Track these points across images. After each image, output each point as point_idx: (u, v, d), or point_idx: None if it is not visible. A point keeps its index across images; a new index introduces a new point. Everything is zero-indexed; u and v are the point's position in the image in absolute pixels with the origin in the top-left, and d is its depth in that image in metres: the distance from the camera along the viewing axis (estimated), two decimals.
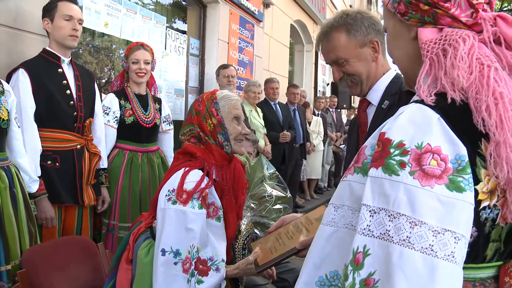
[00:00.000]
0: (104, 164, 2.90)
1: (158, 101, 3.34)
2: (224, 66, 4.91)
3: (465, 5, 0.87)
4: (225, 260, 1.72)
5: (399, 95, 1.71)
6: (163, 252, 1.63)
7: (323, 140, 7.97)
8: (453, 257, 0.71)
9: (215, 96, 1.87)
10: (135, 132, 3.10)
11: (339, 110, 9.83)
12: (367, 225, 0.76)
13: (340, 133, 8.89)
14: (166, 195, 1.70)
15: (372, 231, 0.76)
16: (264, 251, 1.72)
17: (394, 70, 1.81)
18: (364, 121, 1.83)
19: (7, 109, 2.18)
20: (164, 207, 1.68)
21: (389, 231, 0.74)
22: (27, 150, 2.37)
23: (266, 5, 7.34)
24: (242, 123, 1.88)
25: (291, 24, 9.11)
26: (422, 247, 0.71)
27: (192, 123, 1.86)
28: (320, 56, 11.32)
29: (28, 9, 2.83)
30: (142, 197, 3.08)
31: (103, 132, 2.92)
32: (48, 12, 2.60)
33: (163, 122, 3.34)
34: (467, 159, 0.75)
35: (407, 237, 0.72)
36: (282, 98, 6.55)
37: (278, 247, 1.68)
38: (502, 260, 0.87)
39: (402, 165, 0.76)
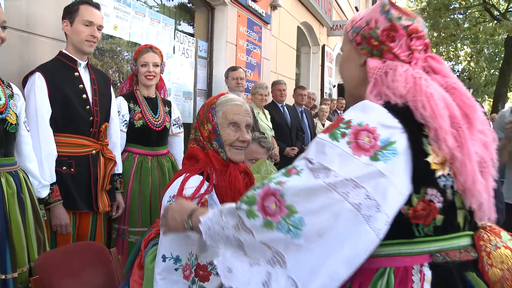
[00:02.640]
0: (119, 169, 2.88)
1: (167, 103, 3.32)
2: (233, 68, 4.90)
3: (405, 47, 1.13)
4: None
5: None
6: (164, 258, 1.62)
7: None
8: (346, 195, 0.97)
9: (214, 101, 1.84)
10: (145, 136, 3.08)
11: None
12: (311, 162, 1.03)
13: None
14: (168, 201, 1.68)
15: (310, 167, 1.02)
16: None
17: None
18: None
19: (15, 113, 2.16)
20: None
21: (320, 173, 1.00)
22: (43, 155, 2.35)
23: (273, 7, 7.32)
24: (242, 130, 1.81)
25: (297, 26, 9.09)
26: (336, 188, 0.98)
27: (195, 128, 1.85)
28: (327, 58, 11.33)
29: (40, 13, 2.82)
30: (152, 201, 3.05)
31: (119, 137, 2.90)
32: (69, 14, 2.57)
33: (173, 125, 3.32)
34: (390, 140, 1.00)
35: (331, 181, 0.98)
36: (290, 100, 6.53)
37: None
38: (472, 230, 1.10)
39: (343, 135, 1.02)
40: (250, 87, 5.90)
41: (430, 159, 1.00)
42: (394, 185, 0.98)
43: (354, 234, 0.97)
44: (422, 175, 1.01)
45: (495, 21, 19.62)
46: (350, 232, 0.97)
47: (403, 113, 1.03)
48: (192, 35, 5.40)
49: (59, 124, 2.49)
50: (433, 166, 1.00)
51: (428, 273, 1.02)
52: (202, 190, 1.68)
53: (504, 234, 1.10)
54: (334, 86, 12.30)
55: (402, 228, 1.03)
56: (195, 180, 1.70)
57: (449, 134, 1.00)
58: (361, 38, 1.17)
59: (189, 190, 1.66)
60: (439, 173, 1.01)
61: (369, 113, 1.04)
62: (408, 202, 1.01)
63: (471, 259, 1.07)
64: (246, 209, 1.05)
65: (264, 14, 6.70)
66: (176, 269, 1.61)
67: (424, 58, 1.14)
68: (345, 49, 1.26)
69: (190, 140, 1.88)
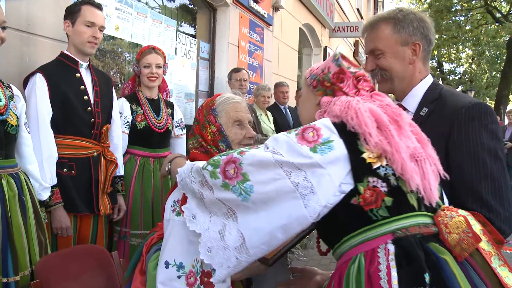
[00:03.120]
0: (120, 171, 2.85)
1: (170, 105, 3.29)
2: (236, 70, 4.87)
3: (353, 86, 1.40)
4: None
5: (441, 101, 1.67)
6: (167, 264, 1.56)
7: None
8: (290, 174, 1.19)
9: (213, 102, 1.79)
10: (147, 137, 3.05)
11: None
12: (267, 147, 1.26)
13: None
14: (171, 206, 1.63)
15: (267, 148, 1.25)
16: None
17: (431, 77, 1.77)
18: None
19: (16, 115, 2.13)
20: (169, 218, 1.62)
21: (275, 154, 1.21)
22: (43, 157, 2.33)
23: (276, 9, 7.30)
24: (246, 126, 1.78)
25: (299, 28, 9.07)
26: (282, 166, 1.20)
27: (195, 134, 1.80)
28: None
29: (41, 13, 2.80)
30: (154, 203, 3.02)
31: (120, 138, 2.86)
32: (71, 14, 2.54)
33: (176, 127, 3.29)
34: (329, 139, 1.23)
35: (279, 159, 1.20)
36: (292, 102, 6.50)
37: None
38: (432, 212, 1.26)
39: (295, 130, 1.27)
40: (252, 88, 5.88)
41: (365, 155, 1.22)
42: (328, 174, 1.19)
43: (290, 206, 1.18)
44: (361, 168, 1.22)
45: (497, 23, 19.60)
46: (287, 205, 1.19)
47: (340, 126, 1.28)
48: (194, 36, 5.37)
49: (60, 125, 2.46)
50: (369, 160, 1.22)
51: (391, 247, 1.17)
52: None
53: (461, 210, 1.26)
54: None
55: (360, 217, 1.22)
56: None
57: (373, 135, 1.23)
58: (317, 82, 1.45)
59: None
60: (377, 165, 1.23)
61: (319, 120, 1.33)
62: (357, 192, 1.21)
63: (432, 232, 1.22)
64: (210, 170, 1.25)
65: (266, 16, 6.67)
66: (179, 277, 1.55)
67: (369, 95, 1.40)
68: (303, 92, 1.55)
69: (190, 149, 1.83)
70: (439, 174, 1.32)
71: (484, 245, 1.21)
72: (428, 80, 1.74)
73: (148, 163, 3.04)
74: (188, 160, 1.81)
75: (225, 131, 1.74)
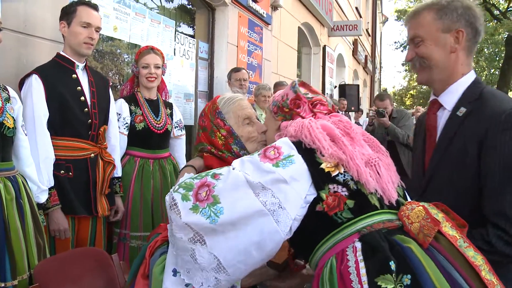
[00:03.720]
0: (118, 172, 2.83)
1: (169, 106, 3.27)
2: (236, 70, 4.84)
3: (309, 111, 1.50)
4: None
5: (481, 102, 1.58)
6: (174, 272, 1.51)
7: None
8: (258, 194, 1.24)
9: (216, 105, 1.76)
10: (146, 139, 3.03)
11: (348, 112, 9.76)
12: (233, 168, 1.31)
13: None
14: None
15: (233, 169, 1.30)
16: None
17: (474, 73, 1.68)
18: (433, 125, 1.71)
19: (12, 117, 2.11)
20: None
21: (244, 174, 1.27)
22: (40, 159, 2.30)
23: (274, 8, 7.28)
24: (255, 122, 1.75)
25: (298, 27, 9.05)
26: (252, 186, 1.25)
27: (201, 142, 1.77)
28: (328, 58, 11.28)
29: (38, 14, 2.77)
30: (154, 205, 3.01)
31: (118, 139, 2.84)
32: (67, 15, 2.52)
33: (175, 128, 3.27)
34: (289, 154, 1.31)
35: (249, 179, 1.25)
36: None
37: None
38: (396, 210, 1.32)
39: (258, 152, 1.36)
40: (251, 88, 5.85)
41: (323, 166, 1.31)
42: (293, 188, 1.26)
43: (261, 223, 1.22)
44: (321, 178, 1.30)
45: (496, 21, 19.57)
46: (258, 222, 1.22)
47: (297, 144, 1.36)
48: (192, 36, 5.35)
49: (56, 127, 2.44)
50: (327, 169, 1.30)
51: (358, 244, 1.24)
52: None
53: (422, 202, 1.33)
54: (335, 87, 12.25)
55: (327, 223, 1.29)
56: None
57: (326, 147, 1.33)
58: (277, 108, 1.57)
59: None
60: (335, 173, 1.31)
61: (279, 140, 1.42)
62: (320, 199, 1.28)
63: (396, 226, 1.29)
64: (182, 193, 1.25)
65: (265, 15, 6.65)
66: (186, 285, 1.53)
67: (328, 117, 1.49)
68: (266, 118, 1.69)
69: (200, 155, 1.79)
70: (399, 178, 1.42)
71: (449, 230, 1.28)
72: (470, 76, 1.66)
73: (148, 164, 3.02)
74: (188, 170, 1.78)
75: (236, 132, 1.71)
